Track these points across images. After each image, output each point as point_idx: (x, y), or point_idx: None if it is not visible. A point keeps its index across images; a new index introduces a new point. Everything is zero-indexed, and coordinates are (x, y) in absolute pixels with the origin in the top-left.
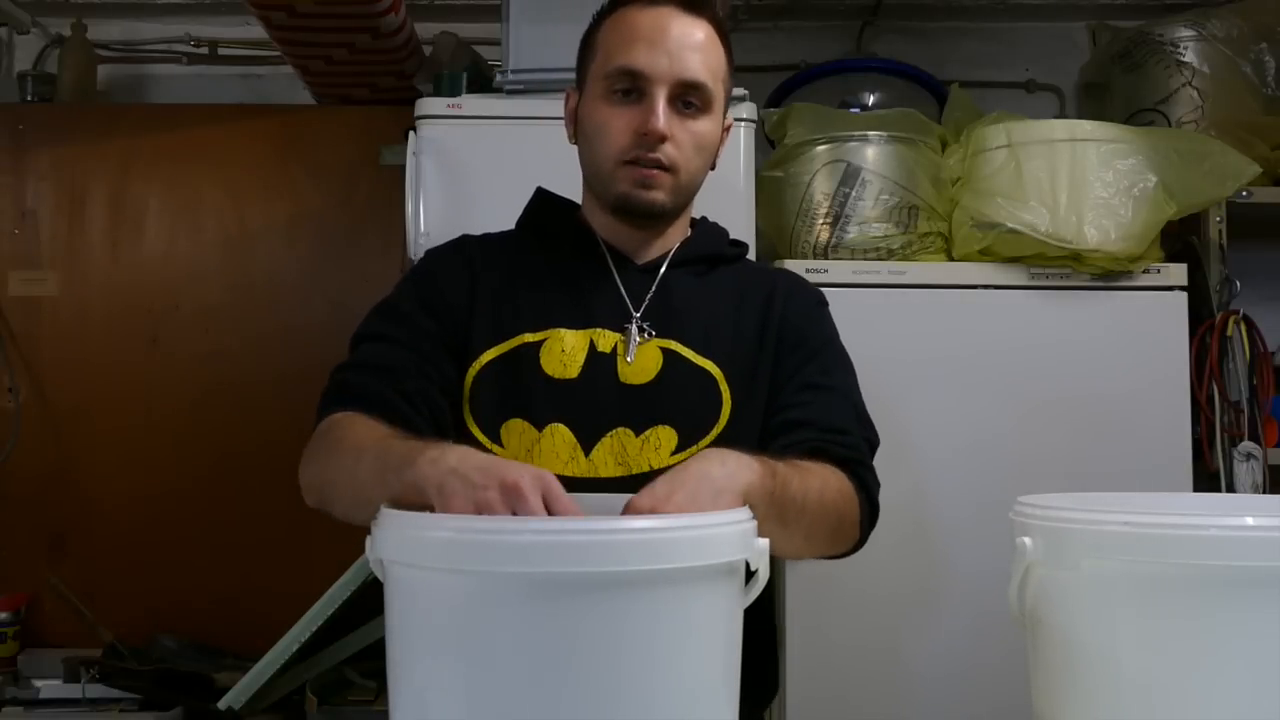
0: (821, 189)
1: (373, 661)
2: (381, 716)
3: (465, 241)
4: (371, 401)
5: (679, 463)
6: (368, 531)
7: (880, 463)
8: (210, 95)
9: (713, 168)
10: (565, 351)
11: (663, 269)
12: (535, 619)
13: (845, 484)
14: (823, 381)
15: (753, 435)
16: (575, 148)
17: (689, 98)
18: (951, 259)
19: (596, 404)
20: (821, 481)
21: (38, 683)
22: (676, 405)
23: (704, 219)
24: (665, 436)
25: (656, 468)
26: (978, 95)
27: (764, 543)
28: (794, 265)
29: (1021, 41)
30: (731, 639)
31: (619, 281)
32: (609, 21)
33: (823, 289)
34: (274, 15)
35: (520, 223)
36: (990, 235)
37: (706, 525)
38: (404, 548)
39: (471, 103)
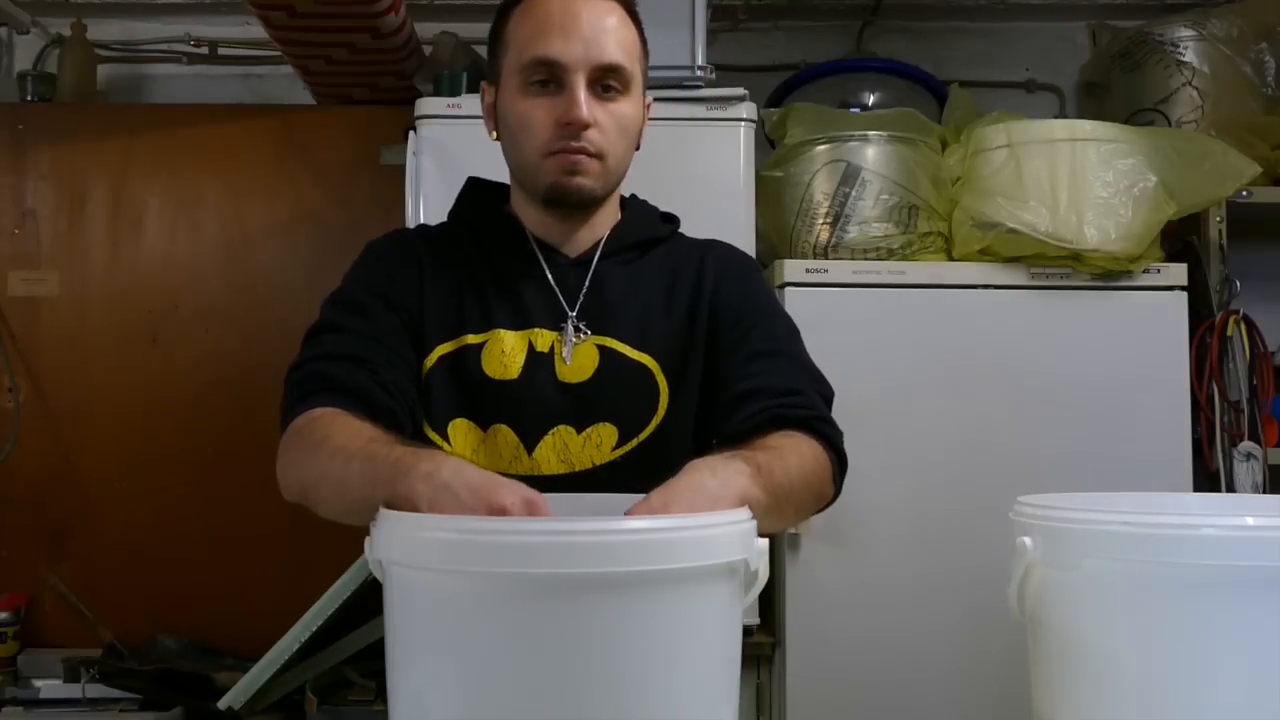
0: (821, 189)
1: (373, 661)
2: (381, 716)
3: (407, 235)
4: (351, 394)
5: (608, 479)
6: (367, 532)
7: (880, 463)
8: (210, 95)
9: (637, 148)
10: (505, 353)
11: (595, 261)
12: (535, 619)
13: (814, 447)
14: (767, 348)
15: (688, 421)
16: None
17: (608, 81)
18: (951, 259)
19: (537, 403)
20: (797, 456)
21: (38, 683)
22: (615, 402)
23: (633, 197)
24: (606, 433)
25: (599, 464)
26: (978, 95)
27: (764, 543)
28: (794, 265)
29: (1021, 41)
30: (731, 639)
31: (551, 279)
32: (517, 12)
33: (822, 289)
34: (274, 15)
35: (453, 215)
36: (990, 235)
37: (706, 526)
38: (403, 548)
39: (471, 103)
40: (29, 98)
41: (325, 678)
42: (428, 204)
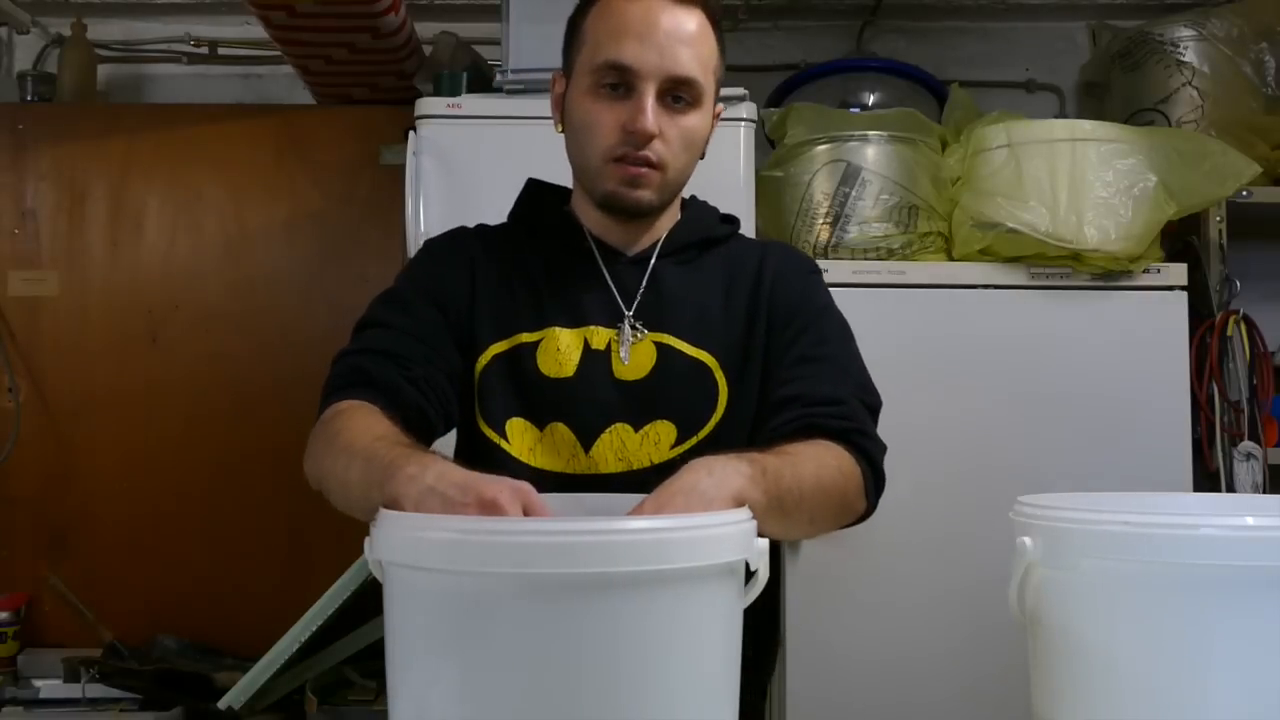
0: (821, 189)
1: (373, 661)
2: (381, 716)
3: (463, 234)
4: (381, 388)
5: (667, 477)
6: (367, 531)
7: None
8: (210, 95)
9: (702, 157)
10: (560, 350)
11: (653, 260)
12: (535, 619)
13: (843, 459)
14: (816, 353)
15: (747, 420)
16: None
17: (678, 92)
18: (951, 259)
19: (594, 401)
20: (816, 465)
21: (38, 683)
22: (673, 399)
23: (693, 199)
24: (664, 431)
25: (657, 462)
26: (978, 95)
27: (764, 543)
28: None
29: (1021, 41)
30: (731, 639)
31: (609, 278)
32: (596, 8)
33: None
34: (274, 15)
35: (512, 214)
36: (990, 235)
37: (706, 525)
38: (403, 548)
39: (471, 103)
40: (29, 98)
41: (325, 678)
42: (428, 204)
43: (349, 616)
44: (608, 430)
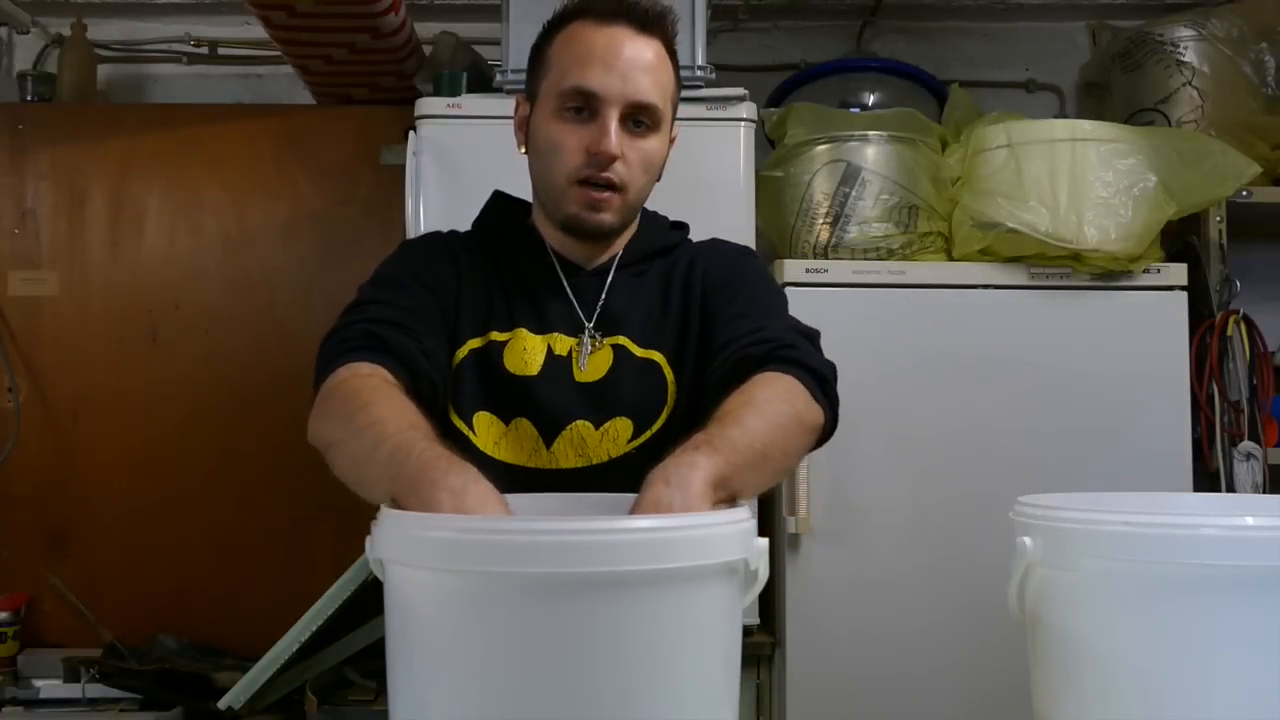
0: (821, 189)
1: (373, 661)
2: (381, 716)
3: (441, 235)
4: (398, 355)
5: (622, 471)
6: (368, 531)
7: (880, 462)
8: (210, 95)
9: (658, 179)
10: (526, 350)
11: (611, 273)
12: (535, 619)
13: (778, 381)
14: (745, 309)
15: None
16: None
17: (639, 117)
18: (951, 259)
19: (556, 400)
20: (754, 409)
21: (38, 683)
22: (629, 397)
23: (644, 211)
24: (622, 427)
25: (615, 456)
26: (978, 95)
27: (763, 542)
28: (794, 265)
29: (1021, 41)
30: (731, 639)
31: (569, 290)
32: (561, 36)
33: (822, 289)
34: (274, 15)
35: (478, 224)
36: (990, 235)
37: (706, 525)
38: (404, 548)
39: (471, 103)
40: (29, 98)
41: (325, 678)
42: (428, 204)
43: (349, 616)
44: (568, 427)
